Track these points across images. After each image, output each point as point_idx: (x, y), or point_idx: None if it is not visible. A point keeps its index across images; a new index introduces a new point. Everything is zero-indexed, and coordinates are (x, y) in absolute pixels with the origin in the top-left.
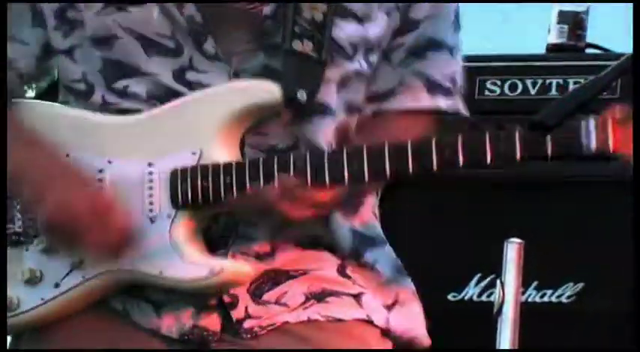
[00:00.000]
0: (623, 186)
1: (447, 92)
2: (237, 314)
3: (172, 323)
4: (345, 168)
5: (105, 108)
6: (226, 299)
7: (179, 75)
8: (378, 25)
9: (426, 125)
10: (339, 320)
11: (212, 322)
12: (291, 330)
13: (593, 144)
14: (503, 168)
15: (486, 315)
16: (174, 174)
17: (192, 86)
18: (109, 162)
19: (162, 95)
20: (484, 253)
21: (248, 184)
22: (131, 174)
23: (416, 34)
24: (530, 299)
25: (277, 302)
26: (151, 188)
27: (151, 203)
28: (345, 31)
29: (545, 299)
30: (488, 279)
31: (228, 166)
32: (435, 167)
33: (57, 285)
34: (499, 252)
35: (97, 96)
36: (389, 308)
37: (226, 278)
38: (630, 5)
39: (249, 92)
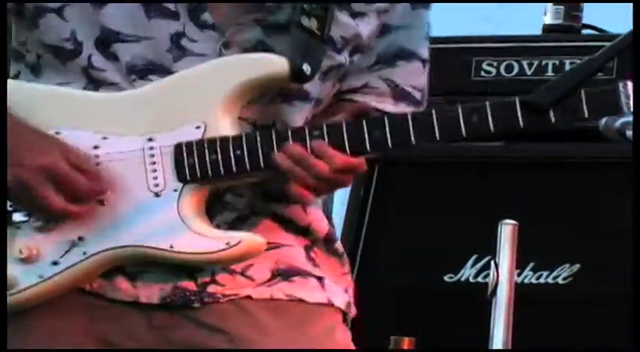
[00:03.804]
0: (620, 167)
1: (416, 103)
2: (203, 277)
3: (150, 290)
4: (366, 136)
5: (85, 73)
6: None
7: (176, 39)
8: (369, 24)
9: None
10: (301, 300)
11: (189, 284)
12: (248, 309)
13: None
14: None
15: (483, 296)
16: (178, 148)
17: (186, 53)
18: (104, 138)
19: (146, 67)
20: (480, 235)
21: (261, 155)
22: (129, 151)
23: (387, 40)
24: (526, 281)
25: (243, 274)
26: (153, 163)
27: (155, 178)
28: (339, 23)
29: (542, 280)
30: (485, 261)
31: (237, 139)
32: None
33: (56, 263)
34: (496, 234)
35: (83, 58)
36: (347, 292)
37: (243, 250)
38: None
39: (258, 64)
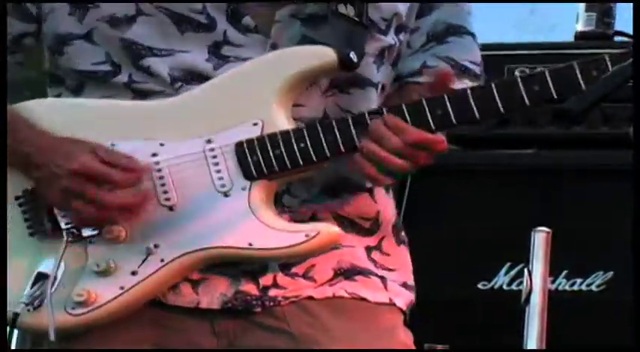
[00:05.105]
0: None
1: (476, 76)
2: (265, 281)
3: (212, 295)
4: (428, 114)
5: (129, 87)
6: (255, 267)
7: (214, 50)
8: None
9: None
10: (364, 299)
11: (251, 288)
12: (310, 309)
13: None
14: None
15: (516, 304)
16: (239, 146)
17: (229, 60)
18: (161, 144)
19: (186, 76)
20: (514, 242)
21: (325, 145)
22: (189, 154)
23: (432, 18)
24: (560, 288)
25: (305, 276)
26: (216, 164)
27: (220, 178)
28: (376, 5)
29: (575, 287)
30: (518, 268)
31: (298, 131)
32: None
33: (134, 273)
34: (529, 241)
35: (123, 76)
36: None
37: (323, 241)
38: None
39: (305, 57)
